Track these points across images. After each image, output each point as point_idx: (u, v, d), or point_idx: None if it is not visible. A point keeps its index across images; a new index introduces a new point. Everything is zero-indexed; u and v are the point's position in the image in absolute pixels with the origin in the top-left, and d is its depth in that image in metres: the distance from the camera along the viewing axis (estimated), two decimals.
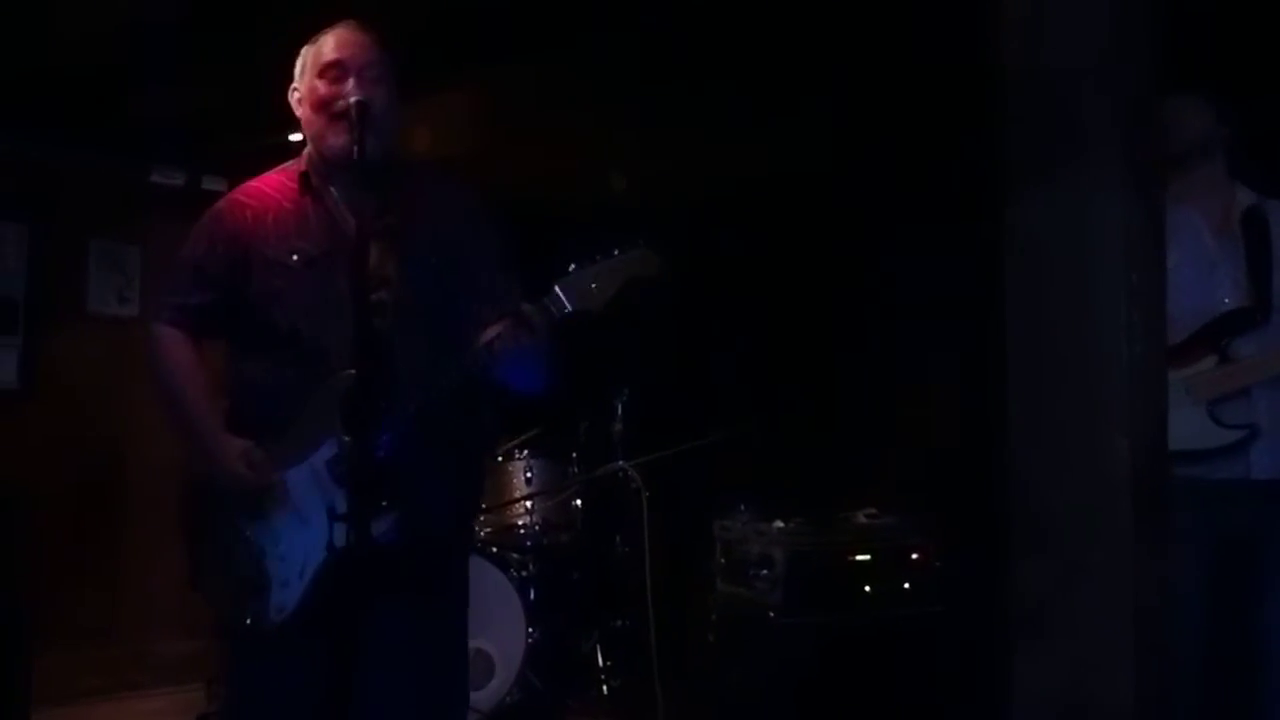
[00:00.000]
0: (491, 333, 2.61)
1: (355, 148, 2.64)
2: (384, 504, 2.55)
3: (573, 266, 2.58)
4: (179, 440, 2.87)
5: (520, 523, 5.41)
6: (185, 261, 2.88)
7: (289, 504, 2.66)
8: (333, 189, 2.83)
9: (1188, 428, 3.13)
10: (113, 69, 5.22)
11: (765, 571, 4.91)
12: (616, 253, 2.61)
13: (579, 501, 5.57)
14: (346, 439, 2.57)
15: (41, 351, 6.11)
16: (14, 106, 5.69)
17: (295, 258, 2.77)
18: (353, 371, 2.55)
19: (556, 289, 2.55)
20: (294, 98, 2.88)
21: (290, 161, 2.94)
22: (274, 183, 2.90)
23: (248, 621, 2.64)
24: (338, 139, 2.73)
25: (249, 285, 2.78)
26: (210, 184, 6.40)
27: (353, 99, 2.68)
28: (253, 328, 2.78)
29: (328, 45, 2.81)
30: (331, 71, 2.77)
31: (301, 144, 2.95)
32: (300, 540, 2.63)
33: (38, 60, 5.22)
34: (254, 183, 2.93)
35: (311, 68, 2.81)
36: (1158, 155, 2.59)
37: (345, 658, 2.37)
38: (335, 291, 2.68)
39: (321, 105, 2.77)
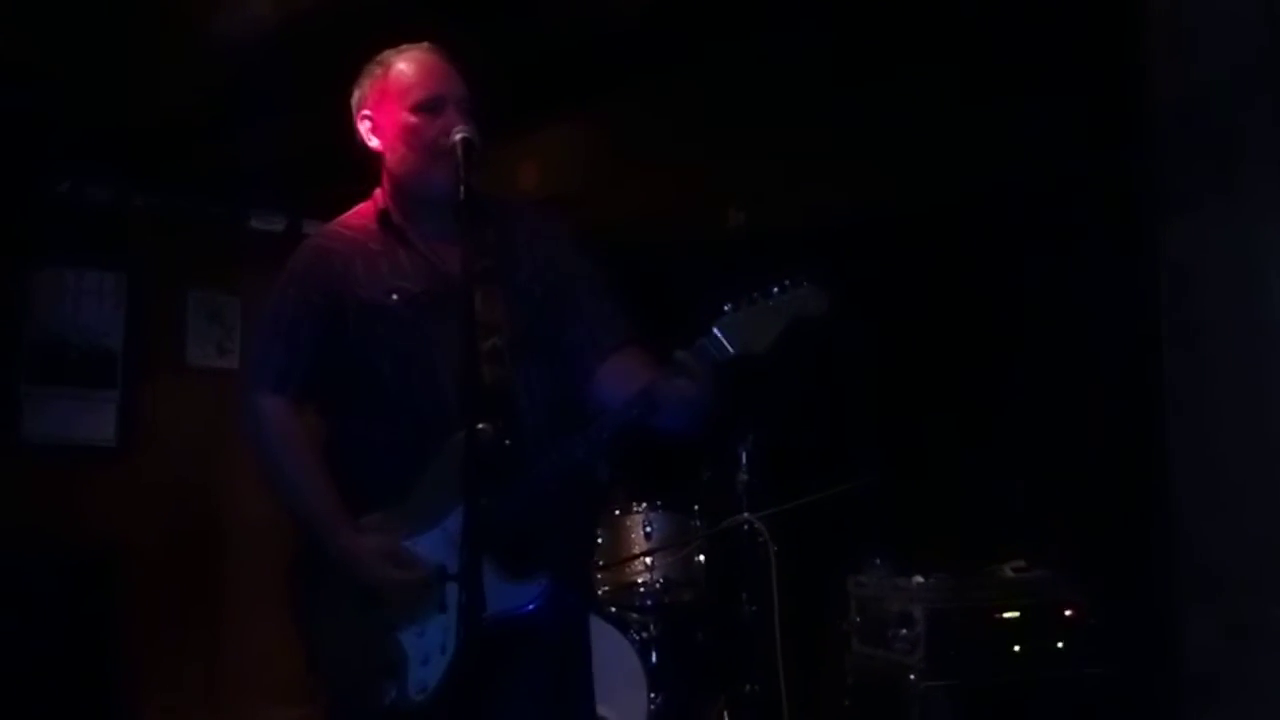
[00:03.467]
0: (648, 379, 2.51)
1: (462, 186, 2.50)
2: (529, 570, 2.49)
3: (728, 306, 2.44)
4: (299, 525, 2.71)
5: (640, 580, 5.31)
6: (278, 320, 2.79)
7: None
8: (416, 228, 2.77)
9: None
10: (210, 113, 5.31)
11: (904, 631, 4.74)
12: (776, 290, 2.44)
13: (702, 557, 5.45)
14: (482, 501, 2.41)
15: (140, 406, 6.19)
16: (109, 154, 5.84)
17: (395, 297, 2.68)
18: (483, 426, 2.39)
19: (716, 331, 2.42)
20: (364, 126, 2.79)
21: (362, 203, 2.88)
22: (353, 225, 2.83)
23: (386, 703, 2.51)
24: (443, 176, 2.60)
25: (347, 335, 2.70)
26: (311, 228, 6.45)
27: (459, 135, 2.55)
28: (355, 382, 2.69)
29: (412, 73, 2.74)
30: (430, 104, 2.69)
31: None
32: (440, 613, 2.51)
33: (134, 107, 5.32)
34: (331, 227, 2.87)
35: (398, 98, 2.72)
36: None
37: None
38: (441, 335, 2.60)
39: (423, 142, 2.68)
